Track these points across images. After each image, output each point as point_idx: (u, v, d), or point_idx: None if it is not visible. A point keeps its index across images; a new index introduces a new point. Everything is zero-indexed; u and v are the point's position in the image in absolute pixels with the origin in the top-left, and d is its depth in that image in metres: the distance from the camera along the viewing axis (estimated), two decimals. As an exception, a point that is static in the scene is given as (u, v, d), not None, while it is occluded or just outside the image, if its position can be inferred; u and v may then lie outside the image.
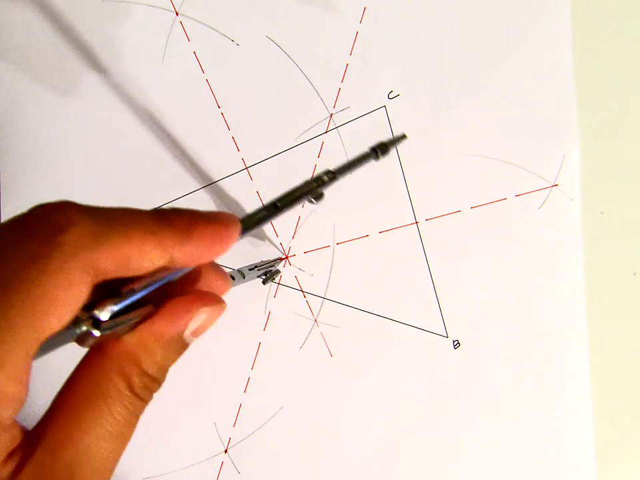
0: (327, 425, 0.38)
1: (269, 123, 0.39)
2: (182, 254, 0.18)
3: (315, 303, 0.38)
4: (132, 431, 0.18)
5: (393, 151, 0.38)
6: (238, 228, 0.20)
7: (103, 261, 0.16)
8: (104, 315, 0.17)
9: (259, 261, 0.37)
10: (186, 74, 0.40)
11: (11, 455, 0.16)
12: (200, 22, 0.40)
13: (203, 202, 0.40)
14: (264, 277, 0.37)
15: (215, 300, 0.20)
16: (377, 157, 0.26)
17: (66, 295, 0.15)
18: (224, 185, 0.39)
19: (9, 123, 0.41)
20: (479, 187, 0.38)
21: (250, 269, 0.35)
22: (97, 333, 0.17)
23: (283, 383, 0.38)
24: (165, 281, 0.19)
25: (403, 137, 0.28)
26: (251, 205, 0.39)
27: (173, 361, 0.19)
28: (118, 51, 0.40)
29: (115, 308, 0.17)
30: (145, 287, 0.18)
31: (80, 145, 0.41)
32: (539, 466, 0.37)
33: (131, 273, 0.17)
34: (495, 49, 0.38)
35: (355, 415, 0.38)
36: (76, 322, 0.16)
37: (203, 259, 0.19)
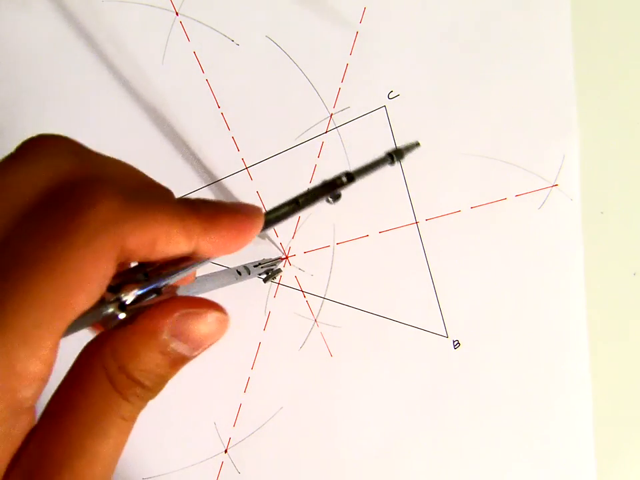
0: (327, 425, 0.38)
1: (269, 123, 0.39)
2: (207, 243, 0.18)
3: (315, 302, 0.38)
4: (117, 433, 0.17)
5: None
6: (262, 220, 0.20)
7: (131, 239, 0.16)
8: (130, 297, 0.17)
9: (261, 259, 0.37)
10: (186, 74, 0.40)
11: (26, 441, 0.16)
12: (200, 22, 0.40)
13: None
14: (265, 276, 0.38)
15: (211, 307, 0.19)
16: (392, 162, 0.26)
17: (94, 272, 0.15)
18: (224, 184, 0.39)
19: (9, 123, 0.41)
20: (479, 186, 0.38)
21: (254, 266, 0.36)
22: (122, 315, 0.17)
23: (283, 383, 0.38)
24: (190, 270, 0.19)
25: (417, 144, 0.29)
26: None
27: (164, 367, 0.18)
28: (118, 51, 0.40)
29: (140, 292, 0.17)
30: (170, 274, 0.18)
31: (80, 145, 0.41)
32: (539, 466, 0.37)
33: (154, 257, 0.17)
34: (495, 49, 0.38)
35: (355, 415, 0.38)
36: (102, 302, 0.16)
37: (227, 250, 0.19)
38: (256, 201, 0.39)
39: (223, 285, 0.32)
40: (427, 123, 0.38)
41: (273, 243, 0.39)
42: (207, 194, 0.40)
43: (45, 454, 0.16)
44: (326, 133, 0.39)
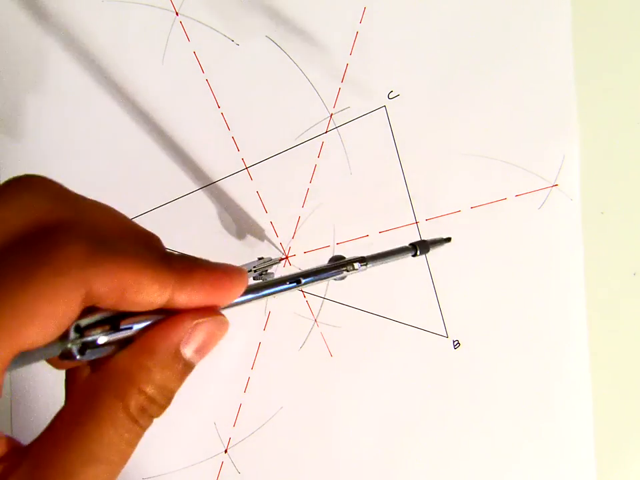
0: (327, 424, 0.38)
1: (269, 123, 0.39)
2: (182, 296, 0.18)
3: (315, 302, 0.38)
4: (124, 459, 0.17)
5: (393, 154, 0.38)
6: (244, 280, 0.20)
7: (97, 285, 0.16)
8: (97, 339, 0.17)
9: (257, 258, 0.37)
10: (186, 74, 0.40)
11: None
12: (200, 22, 0.40)
13: (203, 202, 0.40)
14: (256, 275, 0.37)
15: (210, 313, 0.19)
16: (415, 254, 0.25)
17: (50, 309, 0.15)
18: (224, 184, 0.39)
19: (9, 123, 0.41)
20: (479, 186, 0.38)
21: (249, 270, 0.35)
22: (79, 357, 0.16)
23: (283, 383, 0.38)
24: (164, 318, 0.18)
25: (448, 239, 0.28)
26: (250, 205, 0.39)
27: (175, 381, 0.18)
28: (118, 51, 0.40)
29: (106, 339, 0.17)
30: (142, 322, 0.18)
31: (80, 145, 0.41)
32: (539, 466, 0.37)
33: (128, 307, 0.17)
34: (495, 49, 0.38)
35: (354, 415, 0.38)
36: (63, 338, 0.16)
37: (205, 304, 0.19)
38: (256, 201, 0.39)
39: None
40: (427, 123, 0.38)
41: (273, 243, 0.39)
42: (207, 194, 0.40)
43: (36, 469, 0.16)
44: (326, 132, 0.39)
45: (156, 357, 0.17)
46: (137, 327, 0.18)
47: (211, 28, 0.40)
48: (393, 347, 0.38)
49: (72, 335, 0.16)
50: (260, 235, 0.39)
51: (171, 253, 0.19)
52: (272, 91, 0.39)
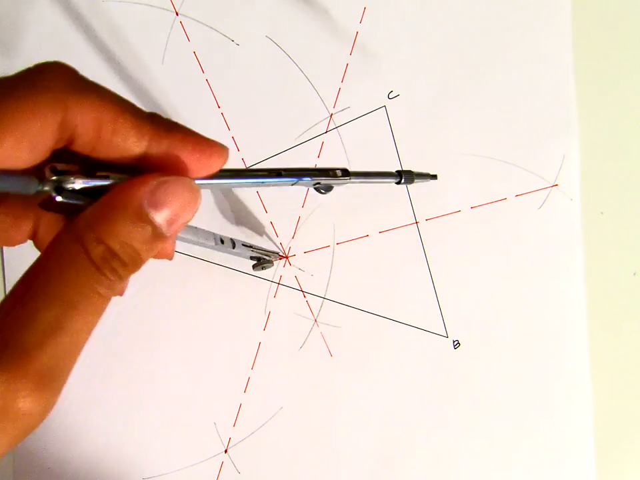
0: (327, 424, 0.38)
1: (269, 123, 0.39)
2: (158, 149, 0.18)
3: (315, 302, 0.38)
4: (91, 307, 0.17)
5: (393, 154, 0.38)
6: (224, 154, 0.20)
7: (74, 110, 0.16)
8: (70, 184, 0.17)
9: (260, 246, 0.37)
10: (186, 74, 0.40)
11: None
12: (200, 22, 0.40)
13: (203, 202, 0.39)
14: (256, 262, 0.37)
15: (179, 176, 0.18)
16: (399, 182, 0.25)
17: (27, 123, 0.15)
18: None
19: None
20: (479, 186, 0.38)
21: (243, 244, 0.35)
22: (55, 195, 0.17)
23: (282, 383, 0.38)
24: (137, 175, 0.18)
25: (434, 176, 0.28)
26: (251, 205, 0.39)
27: (140, 241, 0.17)
28: (118, 51, 0.40)
29: (81, 184, 0.17)
30: (118, 177, 0.18)
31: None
32: (539, 466, 0.37)
33: (103, 151, 0.17)
34: (495, 49, 0.38)
35: (354, 415, 0.38)
36: (41, 177, 0.16)
37: (180, 167, 0.18)
38: (256, 201, 0.39)
39: (197, 243, 0.31)
40: (427, 123, 0.38)
41: (273, 243, 0.39)
42: (208, 194, 0.40)
43: (6, 319, 0.16)
44: (326, 133, 0.39)
45: (117, 209, 0.17)
46: (112, 179, 0.18)
47: (211, 28, 0.40)
48: (393, 347, 0.38)
49: (48, 174, 0.17)
50: (259, 231, 0.39)
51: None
52: (272, 91, 0.39)
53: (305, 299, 0.39)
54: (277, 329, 0.38)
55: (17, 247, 0.22)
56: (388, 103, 0.39)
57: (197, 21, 0.40)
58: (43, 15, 0.41)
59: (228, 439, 0.38)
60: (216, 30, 0.40)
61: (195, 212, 0.19)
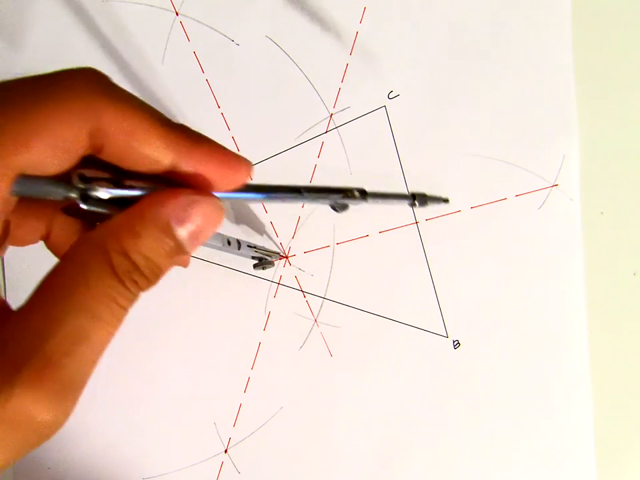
0: (327, 424, 0.38)
1: (269, 123, 0.39)
2: (186, 163, 0.18)
3: (315, 302, 0.38)
4: (109, 315, 0.17)
5: (393, 153, 0.38)
6: (249, 170, 0.19)
7: (106, 117, 0.16)
8: (97, 192, 0.17)
9: (262, 245, 0.37)
10: (186, 74, 0.40)
11: None
12: (200, 22, 0.40)
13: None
14: (257, 262, 0.37)
15: (208, 194, 0.18)
16: (413, 204, 0.26)
17: (58, 129, 0.15)
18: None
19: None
20: (479, 186, 0.38)
21: (248, 245, 0.35)
22: (81, 204, 0.17)
23: (282, 383, 0.38)
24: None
25: (445, 200, 0.28)
26: (251, 205, 0.39)
27: (162, 256, 0.17)
28: (118, 51, 0.40)
29: (108, 193, 0.17)
30: (145, 188, 0.18)
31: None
32: (539, 466, 0.37)
33: (131, 161, 0.17)
34: (495, 49, 0.38)
35: (354, 415, 0.38)
36: (68, 183, 0.16)
37: (207, 182, 0.18)
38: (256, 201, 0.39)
39: (207, 244, 0.31)
40: (427, 123, 0.38)
41: (273, 242, 0.39)
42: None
43: (29, 327, 0.15)
44: (326, 133, 0.39)
45: (145, 222, 0.17)
46: (138, 191, 0.18)
47: (211, 28, 0.40)
48: (393, 347, 0.38)
49: (75, 181, 0.17)
50: (259, 230, 0.39)
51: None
52: (272, 91, 0.39)
53: (305, 299, 0.39)
54: (277, 329, 0.38)
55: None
56: (388, 102, 0.39)
57: (197, 21, 0.40)
58: (42, 15, 0.41)
59: (228, 439, 0.38)
60: (216, 30, 0.40)
61: (217, 229, 0.19)
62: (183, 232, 0.18)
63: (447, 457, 0.37)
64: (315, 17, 0.39)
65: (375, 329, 0.38)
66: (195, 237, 0.18)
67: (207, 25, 0.40)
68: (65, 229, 0.21)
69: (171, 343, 0.39)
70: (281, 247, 0.39)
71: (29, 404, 0.15)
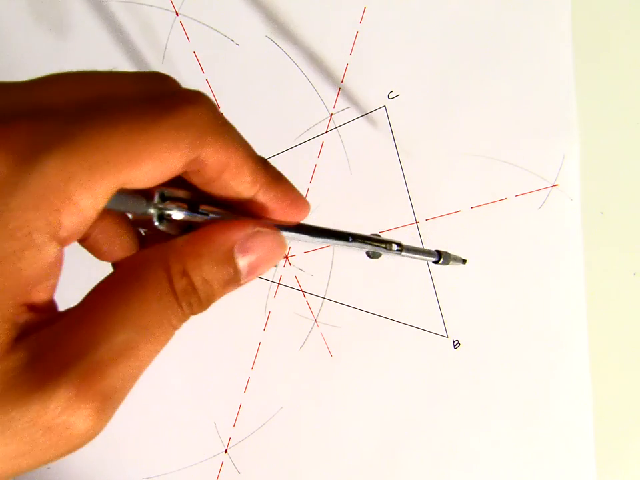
0: (327, 425, 0.38)
1: (269, 123, 0.39)
2: (264, 198, 0.19)
3: (315, 302, 0.38)
4: (159, 337, 0.17)
5: (393, 153, 0.38)
6: (308, 210, 0.21)
7: (208, 151, 0.17)
8: (173, 213, 0.17)
9: None
10: (186, 74, 0.40)
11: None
12: (200, 22, 0.40)
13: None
14: None
15: (270, 227, 0.19)
16: (437, 261, 0.27)
17: (164, 154, 0.15)
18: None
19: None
20: (479, 186, 0.38)
21: None
22: (156, 223, 0.17)
23: (282, 383, 0.38)
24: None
25: (464, 261, 0.30)
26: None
27: (219, 283, 0.18)
28: (118, 51, 0.40)
29: (182, 215, 0.18)
30: (220, 214, 0.18)
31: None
32: (539, 466, 0.37)
33: (215, 189, 0.18)
34: (495, 49, 0.38)
35: (354, 415, 0.38)
36: (149, 200, 0.17)
37: (272, 215, 0.19)
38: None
39: None
40: (427, 123, 0.38)
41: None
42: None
43: (79, 332, 0.15)
44: (326, 133, 0.39)
45: (210, 246, 0.17)
46: (212, 215, 0.18)
47: (211, 28, 0.40)
48: (393, 347, 0.38)
49: (156, 199, 0.17)
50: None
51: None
52: (272, 91, 0.39)
53: (305, 299, 0.39)
54: (277, 329, 0.38)
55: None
56: (388, 103, 0.39)
57: (197, 21, 0.40)
58: (41, 15, 0.41)
59: (228, 439, 0.38)
60: (216, 30, 0.40)
61: (276, 263, 0.20)
62: (243, 262, 0.18)
63: (446, 456, 0.37)
64: (315, 17, 0.39)
65: (375, 329, 0.38)
66: (254, 268, 0.18)
67: (207, 25, 0.40)
68: (106, 231, 0.20)
69: (171, 342, 0.39)
70: (280, 247, 0.39)
71: (68, 409, 0.14)
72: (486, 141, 0.38)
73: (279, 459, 0.38)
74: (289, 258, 0.39)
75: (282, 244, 0.19)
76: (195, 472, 0.38)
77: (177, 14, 0.40)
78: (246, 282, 0.19)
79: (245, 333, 0.38)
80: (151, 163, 0.15)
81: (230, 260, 0.18)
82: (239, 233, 0.18)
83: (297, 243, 0.39)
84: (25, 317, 0.15)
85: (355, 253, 0.38)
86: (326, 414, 0.38)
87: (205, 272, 0.17)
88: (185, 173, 0.17)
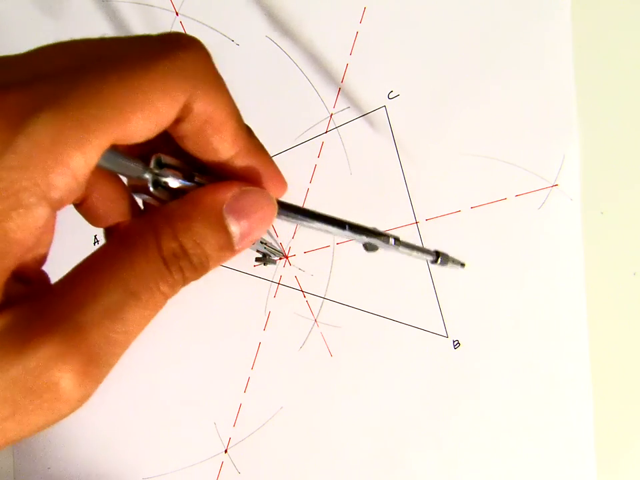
0: (327, 425, 0.38)
1: (269, 122, 0.39)
2: (240, 163, 0.19)
3: (315, 303, 0.38)
4: (147, 302, 0.16)
5: (393, 153, 0.38)
6: (285, 189, 0.21)
7: (198, 100, 0.16)
8: (169, 180, 0.17)
9: (272, 244, 0.37)
10: (186, 74, 0.40)
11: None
12: (200, 22, 0.40)
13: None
14: (260, 256, 0.37)
15: (258, 187, 0.19)
16: (435, 261, 0.27)
17: (157, 102, 0.15)
18: (224, 184, 0.39)
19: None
20: (479, 186, 0.38)
21: (261, 242, 0.35)
22: (151, 188, 0.17)
23: (282, 383, 0.38)
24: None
25: (462, 264, 0.29)
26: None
27: (212, 247, 0.17)
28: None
29: (178, 183, 0.18)
30: (213, 179, 0.19)
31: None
32: (539, 466, 0.37)
33: (194, 146, 0.18)
34: (495, 49, 0.38)
35: (354, 415, 0.38)
36: (145, 164, 0.17)
37: (257, 186, 0.19)
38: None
39: None
40: (427, 123, 0.38)
41: (274, 241, 0.39)
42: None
43: (65, 297, 0.15)
44: (326, 133, 0.39)
45: (198, 208, 0.17)
46: (204, 183, 0.18)
47: (211, 28, 0.40)
48: (393, 347, 0.38)
49: (152, 164, 0.17)
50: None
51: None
52: (272, 91, 0.39)
53: (305, 299, 0.39)
54: (277, 329, 0.38)
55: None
56: (388, 103, 0.39)
57: (197, 21, 0.40)
58: (42, 15, 0.41)
59: (228, 439, 0.38)
60: (216, 30, 0.40)
61: (267, 229, 0.19)
62: (234, 225, 0.18)
63: (446, 456, 0.37)
64: (315, 16, 0.39)
65: (375, 329, 0.38)
66: (245, 234, 0.18)
67: (207, 25, 0.40)
68: (102, 195, 0.20)
69: (171, 342, 0.39)
70: (280, 246, 0.39)
71: (50, 370, 0.14)
72: (486, 141, 0.38)
73: (278, 459, 0.38)
74: (288, 258, 0.39)
75: (271, 202, 0.19)
76: (195, 472, 0.38)
77: (176, 14, 0.40)
78: (241, 248, 0.18)
79: (244, 333, 0.38)
80: (142, 113, 0.15)
81: (220, 220, 0.17)
82: (227, 193, 0.18)
83: (297, 243, 0.39)
84: (14, 287, 0.15)
85: (354, 252, 0.38)
86: (326, 414, 0.38)
87: (195, 234, 0.17)
88: (172, 127, 0.17)
